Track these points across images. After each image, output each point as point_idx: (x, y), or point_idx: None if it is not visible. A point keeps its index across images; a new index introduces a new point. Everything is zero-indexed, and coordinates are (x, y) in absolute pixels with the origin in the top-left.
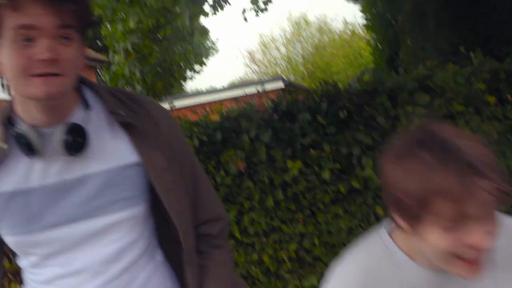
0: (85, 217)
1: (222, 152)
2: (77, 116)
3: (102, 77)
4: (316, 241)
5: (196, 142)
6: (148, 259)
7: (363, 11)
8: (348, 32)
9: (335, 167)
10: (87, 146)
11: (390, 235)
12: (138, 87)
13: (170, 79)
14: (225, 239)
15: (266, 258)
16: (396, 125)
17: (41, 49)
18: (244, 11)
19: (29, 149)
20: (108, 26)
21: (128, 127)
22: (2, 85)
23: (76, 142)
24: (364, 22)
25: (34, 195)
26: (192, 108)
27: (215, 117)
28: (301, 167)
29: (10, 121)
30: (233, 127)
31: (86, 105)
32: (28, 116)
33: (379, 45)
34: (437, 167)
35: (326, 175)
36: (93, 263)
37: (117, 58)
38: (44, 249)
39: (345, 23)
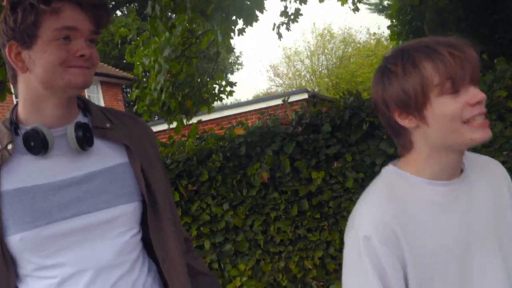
0: (92, 210)
1: (248, 166)
2: (80, 120)
3: (130, 96)
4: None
5: (221, 156)
6: (147, 265)
7: (390, 17)
8: (372, 42)
9: (358, 177)
10: (93, 142)
11: (395, 167)
12: (168, 103)
13: (200, 98)
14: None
15: (292, 266)
16: None
17: (82, 47)
18: (275, 26)
19: (42, 146)
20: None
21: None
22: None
23: (87, 137)
24: (390, 29)
25: (39, 192)
26: (217, 122)
27: (240, 131)
28: (326, 177)
29: (14, 125)
30: (257, 141)
31: (84, 114)
32: (37, 118)
33: None
34: (427, 56)
35: (350, 184)
36: (101, 259)
37: (152, 76)
38: (52, 246)
39: (370, 33)
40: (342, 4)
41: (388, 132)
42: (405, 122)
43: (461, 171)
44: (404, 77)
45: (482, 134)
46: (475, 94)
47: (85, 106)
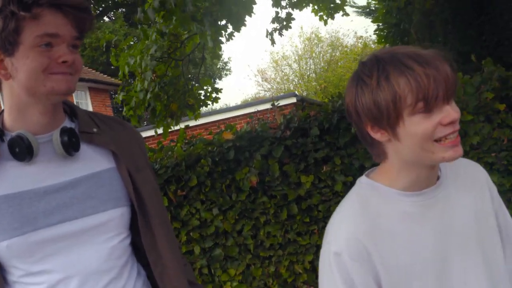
0: (78, 216)
1: (237, 170)
2: (66, 125)
3: (116, 100)
4: None
5: (209, 161)
6: (136, 270)
7: (376, 21)
8: (360, 45)
9: (347, 180)
10: (80, 147)
11: (369, 178)
12: (153, 104)
13: (185, 102)
14: None
15: (283, 270)
16: None
17: (64, 53)
18: (268, 33)
19: (27, 152)
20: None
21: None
22: None
23: (72, 142)
24: (377, 34)
25: (26, 198)
26: (206, 126)
27: (229, 136)
28: (315, 181)
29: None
30: (246, 145)
31: (71, 119)
32: (22, 124)
33: None
34: (399, 74)
35: (339, 187)
36: (89, 265)
37: (138, 78)
38: (39, 252)
39: (357, 37)
40: (325, 24)
41: (362, 142)
42: (377, 135)
43: (438, 178)
44: (377, 91)
45: (453, 153)
46: (448, 113)
47: (72, 111)
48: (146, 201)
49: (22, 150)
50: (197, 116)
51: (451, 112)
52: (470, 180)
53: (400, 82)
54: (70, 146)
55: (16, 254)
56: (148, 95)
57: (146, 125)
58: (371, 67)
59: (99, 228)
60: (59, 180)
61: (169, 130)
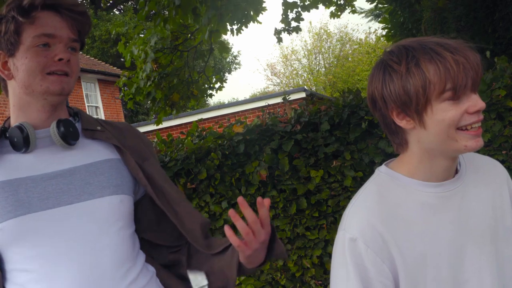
0: (74, 202)
1: (246, 164)
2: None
3: (117, 83)
4: None
5: (219, 154)
6: (141, 262)
7: (384, 21)
8: (372, 39)
9: (357, 175)
10: (79, 137)
11: (388, 167)
12: (153, 93)
13: (188, 92)
14: None
15: (291, 265)
16: None
17: (59, 51)
18: (276, 32)
19: (24, 141)
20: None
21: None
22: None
23: (70, 132)
24: (386, 34)
25: (22, 184)
26: (216, 120)
27: (238, 129)
28: (324, 176)
29: (3, 128)
30: (256, 139)
31: (74, 118)
32: (25, 119)
33: None
34: (430, 60)
35: (348, 182)
36: (84, 251)
37: (139, 64)
38: (33, 236)
39: (368, 32)
40: (333, 18)
41: (383, 130)
42: (403, 122)
43: (456, 171)
44: (407, 77)
45: (475, 142)
46: (475, 102)
47: (76, 113)
48: (160, 183)
49: (20, 140)
50: (199, 104)
51: (478, 101)
52: (489, 176)
53: (430, 68)
54: (67, 135)
55: (10, 237)
56: (148, 83)
57: (141, 122)
58: (400, 55)
59: (94, 214)
60: (58, 168)
61: (178, 124)
